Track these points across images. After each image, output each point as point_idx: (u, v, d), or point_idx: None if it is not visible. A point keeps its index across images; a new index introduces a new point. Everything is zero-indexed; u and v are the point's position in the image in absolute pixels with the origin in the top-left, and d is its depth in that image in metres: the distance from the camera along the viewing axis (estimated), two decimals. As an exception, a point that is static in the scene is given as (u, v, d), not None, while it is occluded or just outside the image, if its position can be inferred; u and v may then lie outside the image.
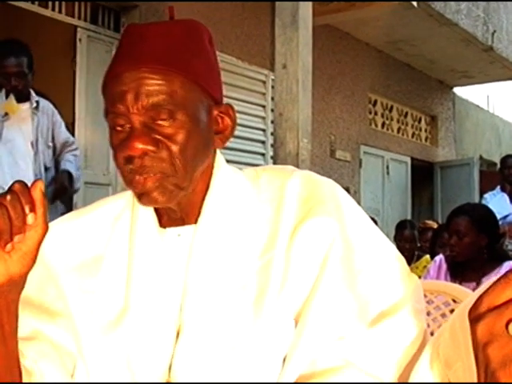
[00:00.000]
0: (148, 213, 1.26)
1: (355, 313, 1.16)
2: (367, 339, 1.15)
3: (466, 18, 9.26)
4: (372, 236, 1.25)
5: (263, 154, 7.81)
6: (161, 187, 1.16)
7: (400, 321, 1.17)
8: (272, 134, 6.86)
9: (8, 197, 0.98)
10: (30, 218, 1.00)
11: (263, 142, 7.81)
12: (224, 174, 1.27)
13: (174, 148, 1.15)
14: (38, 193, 1.02)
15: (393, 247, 1.27)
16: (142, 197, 1.18)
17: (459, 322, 0.89)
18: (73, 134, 6.07)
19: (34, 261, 1.04)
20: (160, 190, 1.16)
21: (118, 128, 1.17)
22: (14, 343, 1.09)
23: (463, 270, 3.53)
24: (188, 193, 1.21)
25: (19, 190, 0.99)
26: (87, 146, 6.13)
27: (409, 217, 10.26)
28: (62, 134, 4.55)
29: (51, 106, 4.53)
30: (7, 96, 4.17)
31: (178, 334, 1.19)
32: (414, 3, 7.73)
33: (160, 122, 1.15)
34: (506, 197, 6.40)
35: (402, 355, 1.15)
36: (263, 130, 7.81)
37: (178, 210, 1.24)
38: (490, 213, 3.71)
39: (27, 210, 1.00)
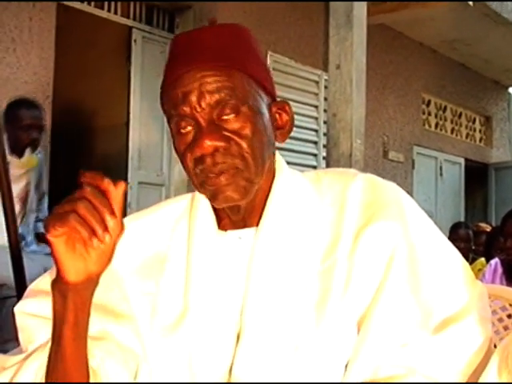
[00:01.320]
0: (207, 215, 1.26)
1: (419, 319, 1.14)
2: (431, 346, 1.13)
3: (522, 17, 9.10)
4: (436, 241, 1.23)
5: (315, 155, 7.78)
6: (234, 184, 1.16)
7: (465, 328, 1.15)
8: (324, 134, 6.83)
9: (90, 189, 0.99)
10: (109, 220, 1.00)
11: (315, 143, 7.79)
12: (286, 177, 1.26)
13: (243, 142, 1.16)
14: (120, 193, 1.02)
15: (457, 252, 1.25)
16: (217, 196, 1.18)
17: None
18: (127, 135, 6.15)
19: (110, 260, 1.06)
20: (233, 186, 1.16)
21: (183, 131, 1.18)
22: (85, 342, 1.11)
23: (520, 274, 3.48)
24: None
25: (93, 193, 1.00)
26: (141, 147, 6.19)
27: (462, 218, 10.13)
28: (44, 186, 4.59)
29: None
30: (22, 151, 4.03)
31: (238, 336, 1.19)
32: (470, 2, 7.62)
33: (225, 118, 1.16)
34: None
35: (466, 363, 1.13)
36: (316, 131, 7.79)
37: (242, 211, 1.24)
38: None
39: (109, 215, 1.00)
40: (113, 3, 5.98)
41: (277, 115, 1.25)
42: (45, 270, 4.17)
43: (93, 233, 0.99)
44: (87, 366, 1.13)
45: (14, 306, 1.29)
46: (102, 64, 6.67)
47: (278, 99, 1.29)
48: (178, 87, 1.17)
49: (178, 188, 6.32)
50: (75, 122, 6.87)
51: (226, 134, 1.16)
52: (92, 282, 1.06)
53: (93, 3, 5.83)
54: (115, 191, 1.01)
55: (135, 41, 6.20)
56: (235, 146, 1.16)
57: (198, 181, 1.19)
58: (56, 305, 1.08)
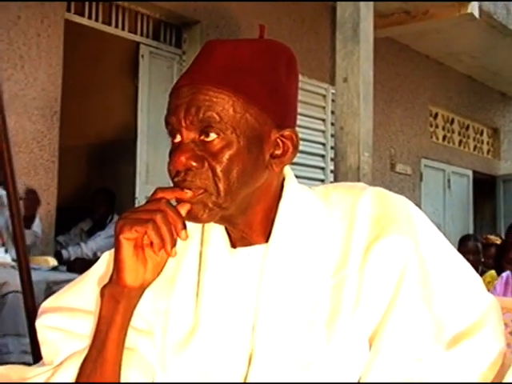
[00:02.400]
0: (219, 232, 1.25)
1: (432, 334, 1.13)
2: (445, 362, 1.12)
3: (529, 29, 9.10)
4: (447, 254, 1.23)
5: (323, 168, 7.79)
6: (201, 204, 1.15)
7: (479, 343, 1.14)
8: (332, 147, 6.84)
9: (163, 202, 1.10)
10: (183, 234, 1.10)
11: (323, 156, 7.80)
12: (294, 193, 1.25)
13: (218, 168, 1.15)
14: (184, 213, 1.12)
15: (469, 266, 1.24)
16: (186, 213, 1.18)
17: None
18: (135, 150, 6.16)
19: (160, 272, 1.14)
20: (200, 206, 1.15)
21: (174, 140, 1.19)
22: (123, 349, 1.16)
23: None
24: (244, 214, 1.20)
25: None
26: (149, 162, 6.21)
27: (471, 231, 10.10)
28: None
29: None
30: None
31: (250, 353, 1.18)
32: (476, 15, 7.63)
33: (208, 140, 1.15)
34: None
35: (480, 378, 1.12)
36: (323, 144, 7.79)
37: (236, 231, 1.23)
38: None
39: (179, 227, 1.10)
40: (120, 19, 6.01)
41: (279, 142, 1.22)
42: (47, 283, 4.18)
43: (163, 244, 1.08)
44: (119, 374, 1.17)
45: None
46: (110, 79, 6.71)
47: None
48: (174, 98, 1.18)
49: (185, 202, 6.32)
50: (83, 138, 6.90)
51: (203, 154, 1.15)
52: (143, 290, 1.14)
53: (100, 19, 5.86)
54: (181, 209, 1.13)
55: (142, 56, 6.22)
56: (208, 169, 1.15)
57: None
58: (104, 309, 1.13)
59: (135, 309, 1.20)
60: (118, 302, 1.12)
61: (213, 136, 1.15)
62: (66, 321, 1.25)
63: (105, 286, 1.13)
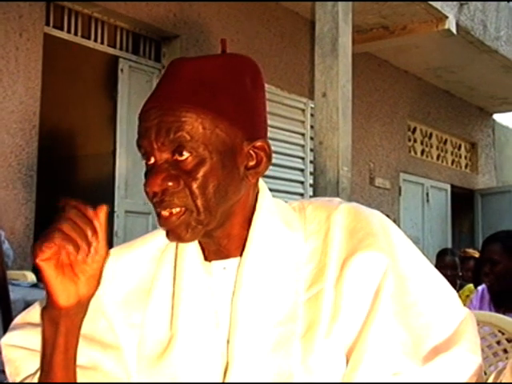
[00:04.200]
0: (192, 246, 1.25)
1: (409, 348, 1.14)
2: (422, 375, 1.12)
3: (505, 45, 9.21)
4: (423, 269, 1.23)
5: (302, 182, 7.81)
6: (184, 223, 1.16)
7: (455, 356, 1.14)
8: (311, 162, 6.86)
9: (73, 211, 1.06)
10: (94, 242, 1.07)
11: (302, 170, 7.82)
12: (268, 206, 1.25)
13: (194, 185, 1.15)
14: (102, 216, 1.09)
15: (444, 280, 1.25)
16: (168, 233, 1.19)
17: None
18: (113, 163, 6.14)
19: (98, 283, 1.11)
20: (183, 226, 1.16)
21: (147, 162, 1.20)
22: (74, 368, 1.13)
23: (507, 300, 3.46)
24: (222, 227, 1.21)
25: (79, 208, 1.06)
26: (128, 176, 6.19)
27: (449, 245, 10.16)
28: None
29: None
30: None
31: (226, 366, 1.18)
32: (454, 30, 7.70)
33: (181, 159, 1.16)
34: None
35: None
36: (302, 158, 7.81)
37: (212, 244, 1.23)
38: None
39: (89, 231, 1.07)
40: (99, 33, 6.01)
41: (252, 154, 1.22)
42: (25, 302, 4.16)
43: (78, 248, 1.05)
44: None
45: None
46: (89, 93, 6.69)
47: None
48: (143, 120, 1.19)
49: (165, 216, 6.30)
50: (61, 151, 6.87)
51: (178, 174, 1.16)
52: (82, 306, 1.10)
53: (79, 33, 5.85)
54: (98, 215, 1.08)
55: (121, 70, 6.22)
56: (185, 188, 1.16)
57: (156, 212, 1.19)
58: (47, 332, 1.10)
59: (109, 323, 1.20)
60: (57, 323, 1.09)
61: (186, 155, 1.15)
62: (30, 338, 1.23)
63: (43, 309, 1.10)
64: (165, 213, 1.16)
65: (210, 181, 1.17)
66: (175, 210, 1.16)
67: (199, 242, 1.25)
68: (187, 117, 1.16)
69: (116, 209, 6.08)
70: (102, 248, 1.08)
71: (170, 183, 1.15)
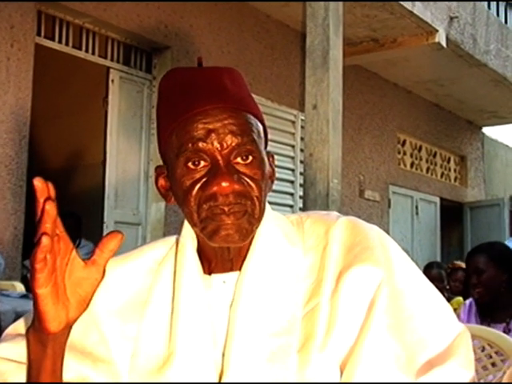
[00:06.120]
0: (192, 259, 1.24)
1: (402, 362, 1.14)
2: None
3: (495, 59, 9.26)
4: (419, 283, 1.23)
5: (292, 194, 7.81)
6: (237, 226, 1.15)
7: (449, 371, 1.14)
8: (301, 173, 6.87)
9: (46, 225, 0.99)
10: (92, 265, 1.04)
11: (292, 182, 7.83)
12: (270, 220, 1.25)
13: (255, 186, 1.16)
14: (113, 243, 1.04)
15: (439, 294, 1.25)
16: (219, 233, 1.16)
17: None
18: (103, 174, 6.13)
19: (87, 306, 1.06)
20: (236, 228, 1.15)
21: (193, 166, 1.16)
22: None
23: (491, 311, 3.47)
24: None
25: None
26: (118, 186, 6.18)
27: (438, 257, 10.18)
28: None
29: None
30: None
31: (220, 378, 1.18)
32: (443, 44, 7.75)
33: (240, 161, 1.16)
34: None
35: None
36: (292, 170, 7.83)
37: (231, 253, 1.22)
38: (507, 249, 3.66)
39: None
40: (90, 43, 6.01)
41: (268, 163, 1.24)
42: (15, 313, 4.13)
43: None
44: None
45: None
46: (80, 103, 6.69)
47: None
48: (201, 122, 1.15)
49: (154, 227, 6.30)
50: (52, 162, 6.86)
51: (242, 176, 1.15)
52: (70, 328, 1.07)
53: (70, 43, 5.85)
54: (113, 242, 1.04)
55: (112, 81, 6.22)
56: (249, 189, 1.15)
57: (201, 217, 1.16)
58: (33, 354, 1.08)
59: (102, 335, 1.19)
60: (45, 346, 1.06)
61: (247, 158, 1.16)
62: (21, 351, 1.20)
63: (28, 331, 1.07)
64: (222, 216, 1.15)
65: (263, 185, 1.18)
66: (238, 213, 1.15)
67: (199, 255, 1.25)
68: (248, 120, 1.17)
69: (106, 219, 6.06)
70: (100, 272, 1.05)
71: (237, 186, 1.14)
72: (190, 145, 1.15)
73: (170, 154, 1.19)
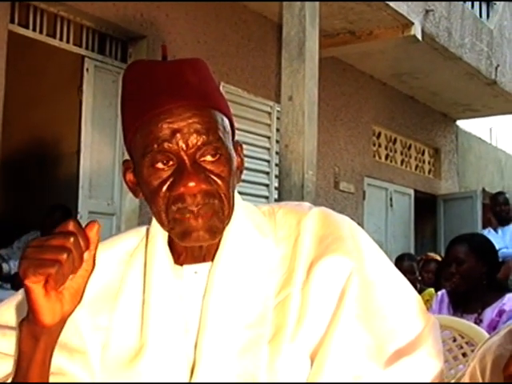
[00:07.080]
0: (162, 250, 1.24)
1: (371, 351, 1.15)
2: (384, 379, 1.13)
3: (469, 52, 9.32)
4: (390, 274, 1.24)
5: (267, 185, 7.82)
6: (207, 225, 1.15)
7: (417, 360, 1.15)
8: (276, 165, 6.87)
9: (71, 239, 1.00)
10: (86, 255, 1.04)
11: (267, 173, 7.83)
12: (241, 212, 1.25)
13: (222, 184, 1.16)
14: (94, 234, 1.04)
15: (409, 285, 1.26)
16: (189, 235, 1.16)
17: (479, 369, 0.88)
18: (78, 164, 6.09)
19: (81, 299, 1.07)
20: (207, 227, 1.15)
21: (160, 166, 1.15)
22: (47, 378, 1.11)
23: (464, 302, 3.49)
24: None
25: (77, 230, 1.02)
26: (92, 176, 6.14)
27: (412, 249, 10.25)
28: None
29: None
30: None
31: (192, 369, 1.18)
32: (419, 37, 7.78)
33: (207, 159, 1.15)
34: (493, 232, 7.08)
35: None
36: (268, 161, 7.83)
37: (204, 247, 1.23)
38: (488, 241, 3.70)
39: (85, 252, 1.04)
40: (65, 32, 5.95)
41: (237, 154, 1.24)
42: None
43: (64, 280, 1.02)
44: None
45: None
46: (54, 92, 6.63)
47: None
48: (165, 122, 1.14)
49: (129, 217, 6.28)
50: (26, 151, 6.80)
51: (209, 175, 1.15)
52: (64, 322, 1.07)
53: (45, 31, 5.79)
54: (91, 232, 1.04)
55: (87, 70, 6.17)
56: (216, 188, 1.15)
57: (169, 218, 1.16)
58: (24, 346, 1.07)
59: (76, 326, 1.19)
60: (37, 339, 1.06)
61: (214, 156, 1.16)
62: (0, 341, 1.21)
63: (22, 322, 1.06)
64: (190, 216, 1.14)
65: (231, 181, 1.18)
66: (206, 214, 1.14)
67: (169, 246, 1.25)
68: (213, 118, 1.16)
69: (80, 209, 6.02)
70: (90, 264, 1.05)
71: (204, 185, 1.14)
72: (155, 145, 1.14)
73: (136, 152, 1.18)
